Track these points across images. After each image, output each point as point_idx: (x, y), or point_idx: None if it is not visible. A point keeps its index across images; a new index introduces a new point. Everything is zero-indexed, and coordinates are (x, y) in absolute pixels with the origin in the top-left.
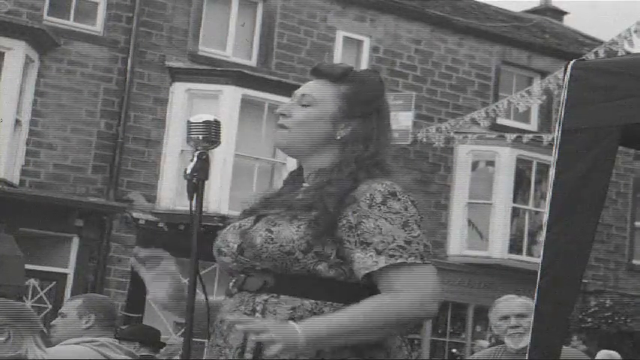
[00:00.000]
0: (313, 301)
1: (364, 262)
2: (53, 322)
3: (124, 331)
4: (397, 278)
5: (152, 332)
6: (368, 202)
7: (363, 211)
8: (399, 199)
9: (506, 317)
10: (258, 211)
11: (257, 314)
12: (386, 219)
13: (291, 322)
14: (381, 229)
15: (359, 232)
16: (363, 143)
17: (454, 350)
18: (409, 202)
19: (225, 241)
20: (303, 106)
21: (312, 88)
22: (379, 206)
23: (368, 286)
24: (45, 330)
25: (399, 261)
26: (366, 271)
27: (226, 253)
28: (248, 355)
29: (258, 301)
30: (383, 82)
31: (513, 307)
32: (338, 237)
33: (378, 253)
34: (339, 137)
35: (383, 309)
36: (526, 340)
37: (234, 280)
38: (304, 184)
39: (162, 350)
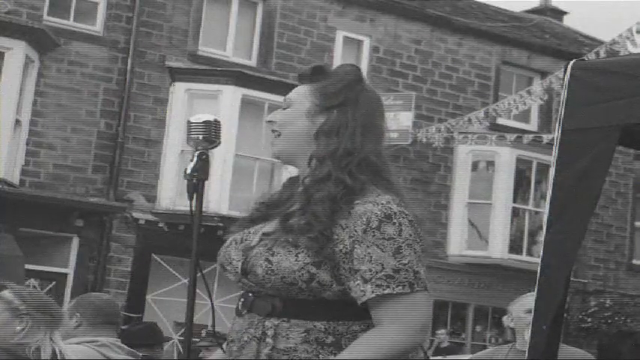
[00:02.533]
0: (324, 322)
1: (355, 291)
2: None
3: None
4: (385, 309)
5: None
6: (364, 226)
7: (358, 236)
8: (393, 223)
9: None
10: (258, 221)
11: (268, 339)
12: (377, 245)
13: None
14: (371, 256)
15: (351, 259)
16: (337, 135)
17: None
18: (405, 224)
19: (228, 258)
20: (283, 109)
21: (292, 92)
22: (373, 231)
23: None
24: None
25: (385, 292)
26: (359, 302)
27: (230, 271)
28: None
29: (269, 326)
30: (357, 72)
31: None
32: (336, 263)
33: (365, 281)
34: (313, 132)
35: (372, 349)
36: None
37: (242, 300)
38: (300, 190)
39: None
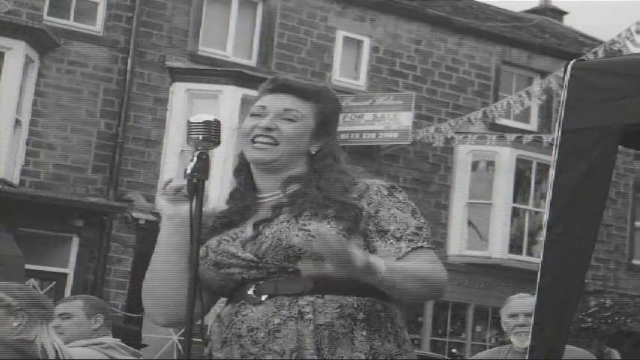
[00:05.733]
0: (355, 297)
1: (388, 250)
2: (56, 324)
3: None
4: (419, 259)
5: (131, 332)
6: (378, 194)
7: (377, 200)
8: (400, 191)
9: (514, 315)
10: (239, 222)
11: (308, 315)
12: (397, 208)
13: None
14: (395, 217)
15: (377, 221)
16: (332, 158)
17: (454, 350)
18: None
19: (227, 254)
20: (287, 120)
21: (293, 103)
22: (388, 197)
23: None
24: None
25: (418, 244)
26: (393, 259)
27: (234, 264)
28: (310, 355)
29: (303, 304)
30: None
31: (523, 305)
32: (363, 229)
33: (397, 239)
34: (313, 152)
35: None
36: None
37: (254, 288)
38: (263, 195)
39: None
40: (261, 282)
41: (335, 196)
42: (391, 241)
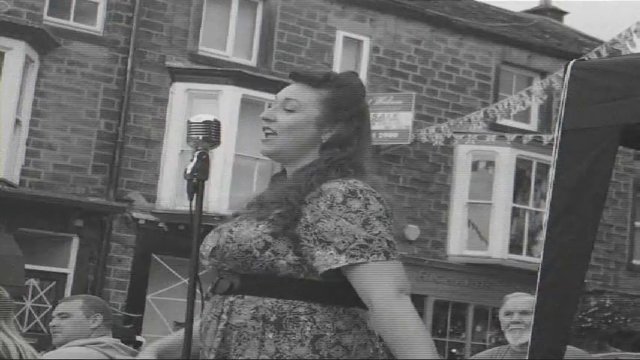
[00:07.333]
0: (274, 299)
1: (325, 259)
2: (55, 323)
3: None
4: (363, 278)
5: (127, 332)
6: (328, 202)
7: (322, 210)
8: (358, 198)
9: (510, 313)
10: (240, 213)
11: (223, 315)
12: (346, 219)
13: None
14: (341, 229)
15: (316, 231)
16: (341, 146)
17: (454, 350)
18: (372, 199)
19: (204, 244)
20: (287, 110)
21: (295, 92)
22: (339, 206)
23: (329, 284)
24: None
25: (359, 261)
26: (326, 268)
27: (204, 256)
28: (211, 355)
29: (226, 303)
30: (363, 85)
31: (518, 303)
32: (295, 235)
33: (339, 252)
34: (324, 141)
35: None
36: (526, 337)
37: (211, 284)
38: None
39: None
40: (216, 277)
41: (289, 197)
42: (332, 252)
